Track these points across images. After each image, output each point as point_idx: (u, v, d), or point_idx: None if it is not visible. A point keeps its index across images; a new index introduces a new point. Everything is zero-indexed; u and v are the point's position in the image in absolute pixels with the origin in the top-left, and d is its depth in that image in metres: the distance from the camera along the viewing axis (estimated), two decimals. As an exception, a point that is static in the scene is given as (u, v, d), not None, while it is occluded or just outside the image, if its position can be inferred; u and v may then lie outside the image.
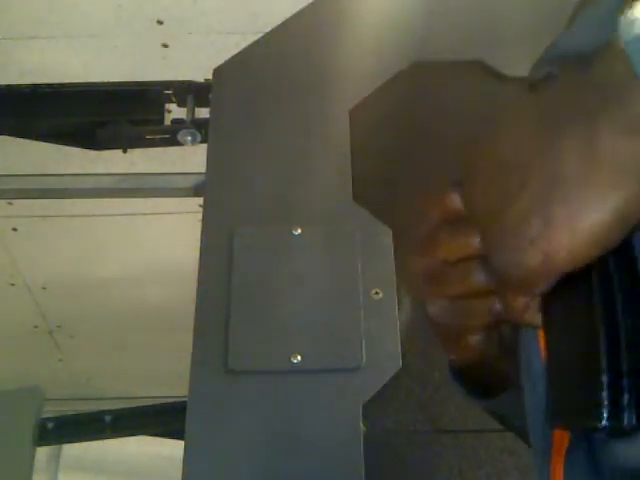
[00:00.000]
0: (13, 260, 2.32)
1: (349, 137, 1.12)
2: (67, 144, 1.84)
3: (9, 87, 1.75)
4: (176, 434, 2.26)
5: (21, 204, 2.09)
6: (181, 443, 0.89)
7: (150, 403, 2.52)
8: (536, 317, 0.42)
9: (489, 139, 0.42)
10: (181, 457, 0.88)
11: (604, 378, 0.37)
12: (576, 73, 0.40)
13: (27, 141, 1.84)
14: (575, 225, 0.38)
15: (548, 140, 0.39)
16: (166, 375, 2.28)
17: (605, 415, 0.37)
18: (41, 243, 2.29)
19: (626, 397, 0.37)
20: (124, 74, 1.77)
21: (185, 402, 0.91)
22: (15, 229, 2.21)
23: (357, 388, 0.92)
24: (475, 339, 0.48)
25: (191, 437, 0.89)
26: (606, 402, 0.37)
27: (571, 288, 0.40)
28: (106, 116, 1.78)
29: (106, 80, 1.76)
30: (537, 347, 0.46)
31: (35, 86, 1.75)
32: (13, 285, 2.42)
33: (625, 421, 0.37)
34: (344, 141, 1.11)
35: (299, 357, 0.92)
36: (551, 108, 0.40)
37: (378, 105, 1.15)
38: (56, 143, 1.84)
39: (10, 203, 2.10)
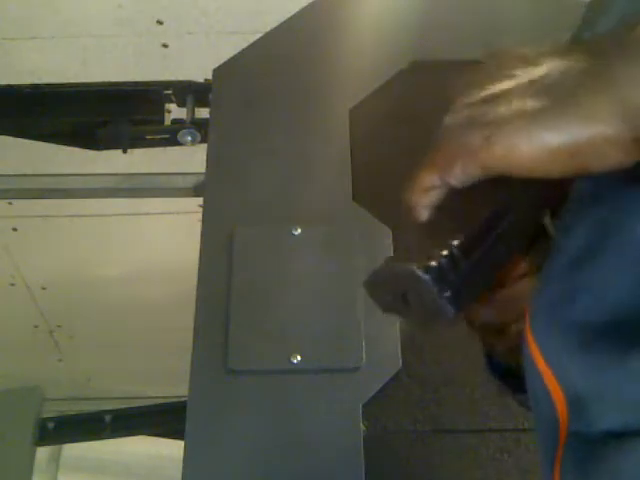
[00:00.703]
0: (13, 260, 2.32)
1: (349, 137, 1.12)
2: (67, 144, 1.84)
3: (9, 87, 1.75)
4: (176, 434, 2.26)
5: (21, 204, 2.08)
6: (181, 443, 0.89)
7: (150, 403, 2.52)
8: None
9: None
10: (181, 457, 0.88)
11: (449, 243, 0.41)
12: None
13: (27, 141, 1.84)
14: (540, 133, 0.38)
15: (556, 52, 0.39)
16: (166, 375, 2.28)
17: (426, 266, 0.40)
18: (41, 243, 2.29)
19: (449, 265, 0.40)
20: (124, 74, 1.77)
21: (185, 402, 0.91)
22: (15, 229, 2.21)
23: (357, 388, 0.92)
24: (518, 327, 0.48)
25: (191, 437, 0.89)
26: (435, 260, 0.40)
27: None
28: (106, 116, 1.78)
29: (106, 80, 1.76)
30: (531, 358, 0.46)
31: (35, 86, 1.75)
32: (13, 285, 2.42)
33: (433, 281, 0.40)
34: (344, 141, 1.11)
35: (299, 357, 0.92)
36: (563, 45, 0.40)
37: (378, 105, 1.15)
38: (56, 143, 1.84)
39: (10, 203, 2.10)
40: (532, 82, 0.39)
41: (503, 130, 0.39)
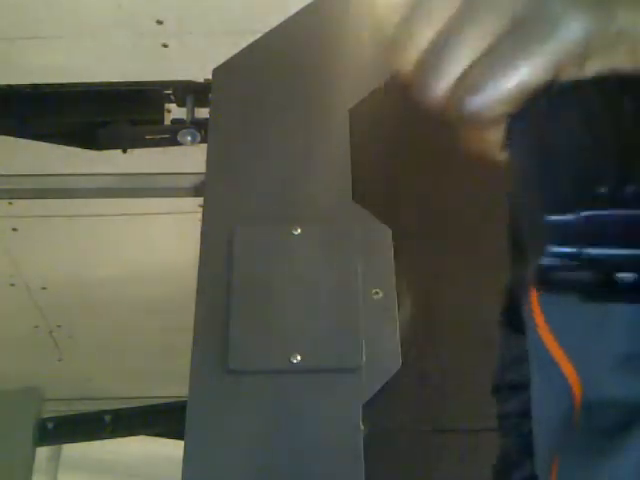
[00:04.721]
0: (13, 260, 2.32)
1: (349, 137, 1.12)
2: (67, 144, 1.84)
3: (9, 87, 1.75)
4: (176, 434, 2.26)
5: (21, 204, 2.09)
6: (181, 443, 0.89)
7: (150, 403, 2.52)
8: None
9: None
10: (181, 457, 0.88)
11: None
12: None
13: (27, 141, 1.84)
14: None
15: None
16: (166, 375, 2.28)
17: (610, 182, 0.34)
18: (41, 243, 2.29)
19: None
20: (124, 74, 1.77)
21: (185, 402, 0.91)
22: (15, 229, 2.21)
23: (357, 388, 0.92)
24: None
25: (191, 437, 0.89)
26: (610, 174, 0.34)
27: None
28: (106, 116, 1.78)
29: (106, 80, 1.76)
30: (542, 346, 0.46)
31: (35, 86, 1.75)
32: (13, 285, 2.42)
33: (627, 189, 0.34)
34: (344, 141, 1.11)
35: (299, 357, 0.92)
36: None
37: (378, 105, 1.15)
38: (56, 143, 1.84)
39: (10, 203, 2.10)
40: None
41: None
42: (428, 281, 1.04)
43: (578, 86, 0.35)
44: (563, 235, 0.34)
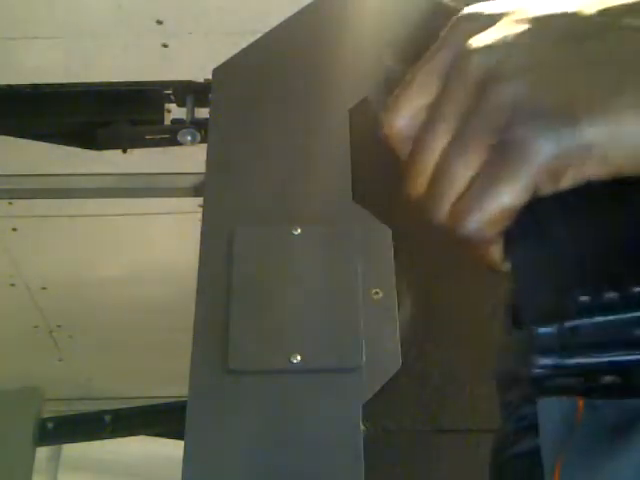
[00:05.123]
0: (13, 260, 2.32)
1: (349, 137, 1.12)
2: (67, 144, 1.84)
3: (9, 87, 1.75)
4: (176, 434, 2.26)
5: (21, 204, 2.09)
6: (181, 443, 0.89)
7: (150, 403, 2.52)
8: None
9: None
10: (181, 457, 0.88)
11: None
12: None
13: (27, 141, 1.84)
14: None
15: None
16: (166, 375, 2.28)
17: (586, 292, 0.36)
18: (41, 243, 2.29)
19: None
20: (124, 74, 1.77)
21: (185, 402, 0.91)
22: (15, 229, 2.21)
23: (357, 388, 0.92)
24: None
25: (191, 437, 0.89)
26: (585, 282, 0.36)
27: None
28: (106, 116, 1.78)
29: (106, 80, 1.76)
30: None
31: (35, 86, 1.75)
32: (13, 285, 2.42)
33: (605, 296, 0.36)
34: (344, 141, 1.11)
35: (298, 357, 0.92)
36: None
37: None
38: (56, 143, 1.85)
39: (10, 203, 2.10)
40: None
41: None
42: (428, 281, 1.04)
43: (555, 200, 0.37)
44: (546, 346, 0.36)
